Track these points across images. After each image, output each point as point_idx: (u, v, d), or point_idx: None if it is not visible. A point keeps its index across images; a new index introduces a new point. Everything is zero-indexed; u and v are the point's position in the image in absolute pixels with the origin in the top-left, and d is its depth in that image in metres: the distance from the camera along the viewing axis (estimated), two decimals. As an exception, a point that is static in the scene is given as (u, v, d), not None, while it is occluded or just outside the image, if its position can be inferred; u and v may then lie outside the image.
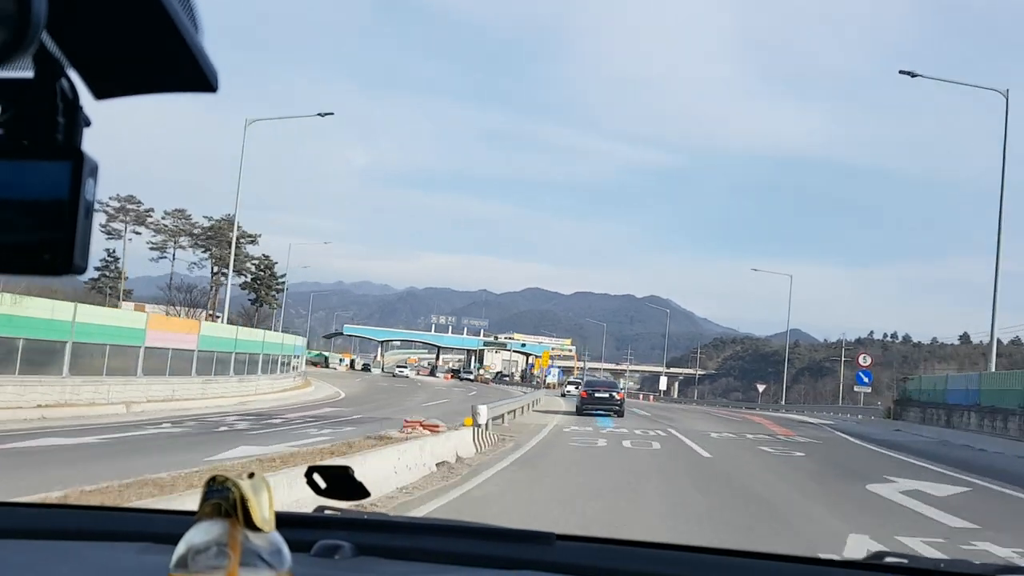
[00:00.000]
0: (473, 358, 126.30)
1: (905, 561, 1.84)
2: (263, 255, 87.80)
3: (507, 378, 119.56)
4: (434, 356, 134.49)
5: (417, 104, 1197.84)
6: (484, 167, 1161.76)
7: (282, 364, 54.66)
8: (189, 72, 0.82)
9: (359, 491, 1.84)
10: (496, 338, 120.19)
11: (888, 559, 1.86)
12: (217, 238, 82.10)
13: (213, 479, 1.00)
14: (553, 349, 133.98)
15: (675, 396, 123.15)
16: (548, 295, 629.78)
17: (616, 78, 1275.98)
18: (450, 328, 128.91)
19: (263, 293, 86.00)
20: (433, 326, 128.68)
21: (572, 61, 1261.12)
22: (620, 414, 36.51)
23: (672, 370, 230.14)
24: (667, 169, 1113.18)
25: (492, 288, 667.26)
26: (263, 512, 0.97)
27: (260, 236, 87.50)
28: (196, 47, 0.81)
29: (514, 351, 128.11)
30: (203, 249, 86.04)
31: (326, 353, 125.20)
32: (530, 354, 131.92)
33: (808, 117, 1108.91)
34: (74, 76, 0.80)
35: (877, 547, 9.31)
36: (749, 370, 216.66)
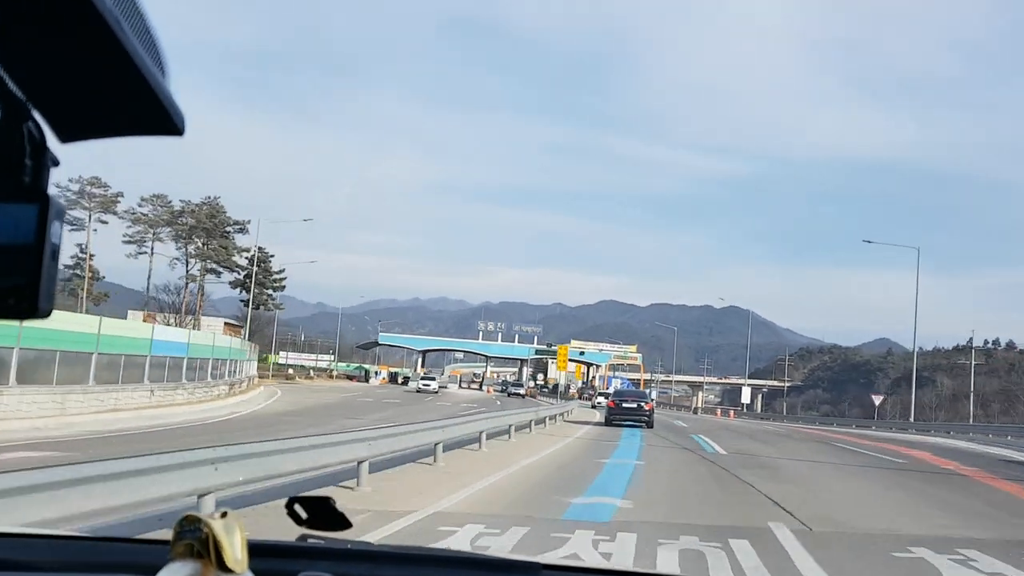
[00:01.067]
0: (525, 368, 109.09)
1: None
2: (257, 247, 71.90)
3: (547, 390, 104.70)
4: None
5: (487, 120, 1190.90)
6: (556, 181, 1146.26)
7: (213, 372, 43.71)
8: (155, 117, 0.80)
9: (341, 522, 1.78)
10: (550, 346, 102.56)
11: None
12: (202, 227, 66.45)
13: (185, 519, 0.98)
14: (615, 357, 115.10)
15: (759, 410, 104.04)
16: (623, 307, 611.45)
17: (688, 87, 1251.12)
18: (499, 336, 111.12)
19: (258, 292, 70.00)
20: (480, 333, 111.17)
21: (642, 72, 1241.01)
22: (649, 425, 35.17)
23: (755, 382, 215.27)
24: (744, 178, 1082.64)
25: (567, 301, 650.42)
26: (235, 552, 0.94)
27: (249, 222, 71.57)
28: (162, 92, 0.79)
29: (571, 360, 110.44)
30: (181, 240, 70.22)
31: (366, 366, 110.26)
32: (591, 363, 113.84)
33: (890, 121, 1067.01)
34: (41, 119, 0.79)
35: None
36: (839, 381, 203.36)
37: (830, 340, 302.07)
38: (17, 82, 0.76)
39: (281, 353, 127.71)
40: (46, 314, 0.75)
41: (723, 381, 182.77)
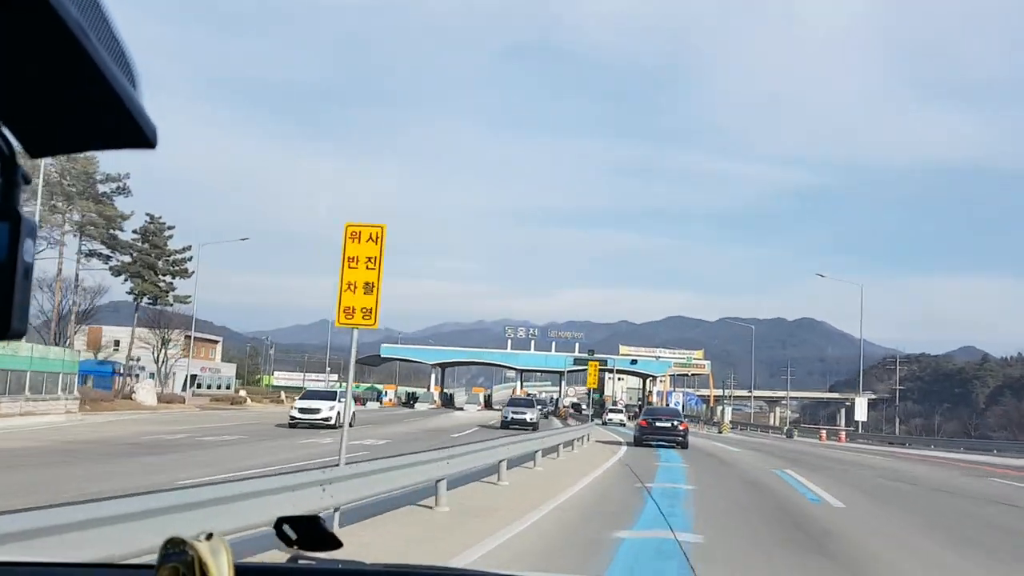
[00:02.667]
0: (563, 383, 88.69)
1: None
2: (149, 216, 52.76)
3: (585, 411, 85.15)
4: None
5: (549, 143, 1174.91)
6: (620, 199, 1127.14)
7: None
8: (127, 129, 0.78)
9: (331, 541, 1.74)
10: (592, 353, 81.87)
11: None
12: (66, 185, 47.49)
13: (170, 541, 0.96)
14: (676, 367, 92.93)
15: (859, 429, 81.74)
16: (691, 323, 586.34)
17: (753, 100, 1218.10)
18: (532, 344, 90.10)
19: (148, 280, 50.70)
20: (509, 342, 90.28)
21: (706, 86, 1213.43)
22: (683, 446, 32.91)
23: (835, 395, 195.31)
24: (813, 188, 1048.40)
25: (632, 319, 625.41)
26: (222, 575, 0.93)
27: (128, 176, 51.79)
28: (133, 104, 0.77)
29: (618, 371, 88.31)
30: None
31: (379, 386, 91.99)
32: (647, 375, 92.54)
33: (966, 124, 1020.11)
34: (9, 134, 0.77)
35: None
36: (930, 392, 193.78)
37: (909, 350, 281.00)
38: None
39: (278, 374, 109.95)
40: (19, 335, 0.72)
41: (802, 395, 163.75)
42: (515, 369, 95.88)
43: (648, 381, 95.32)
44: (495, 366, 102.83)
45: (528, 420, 43.87)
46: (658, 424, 34.04)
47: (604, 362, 77.41)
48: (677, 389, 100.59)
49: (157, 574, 0.93)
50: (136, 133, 0.79)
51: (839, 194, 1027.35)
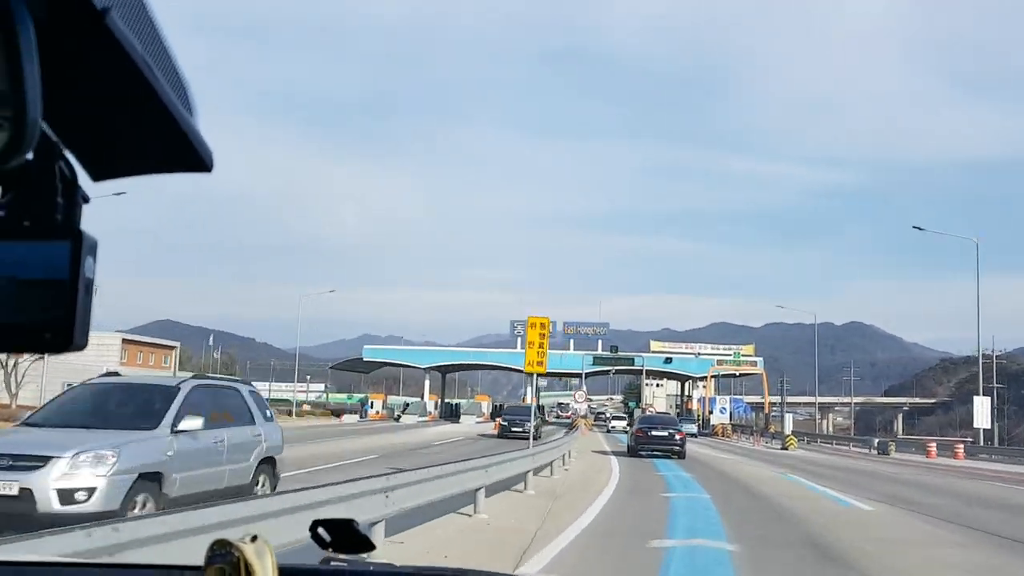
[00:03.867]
0: (582, 386, 72.21)
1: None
2: None
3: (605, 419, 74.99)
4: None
5: (588, 148, 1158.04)
6: (661, 204, 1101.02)
7: None
8: (184, 154, 0.81)
9: (365, 543, 1.74)
10: (614, 350, 65.74)
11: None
12: None
13: (216, 543, 1.00)
14: (719, 365, 75.38)
15: (981, 441, 65.01)
16: (735, 329, 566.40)
17: (793, 100, 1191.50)
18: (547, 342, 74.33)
19: None
20: (519, 340, 74.06)
21: (747, 87, 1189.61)
22: (680, 456, 32.00)
23: (893, 400, 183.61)
24: (857, 189, 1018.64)
25: (674, 326, 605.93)
26: (267, 574, 0.96)
27: None
28: (191, 130, 0.80)
29: (650, 371, 71.59)
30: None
31: (355, 396, 78.54)
32: (687, 376, 76.05)
33: (1010, 120, 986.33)
34: (72, 158, 0.80)
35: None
36: (997, 393, 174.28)
37: (964, 352, 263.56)
38: (49, 123, 0.75)
39: (262, 383, 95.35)
40: (81, 347, 0.75)
41: (856, 400, 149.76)
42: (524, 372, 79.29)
43: (688, 385, 78.99)
44: (501, 369, 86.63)
45: (525, 432, 36.74)
46: (653, 434, 32.84)
47: (631, 361, 61.91)
48: (722, 395, 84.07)
49: (204, 574, 0.97)
50: (193, 157, 0.82)
51: (885, 194, 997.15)
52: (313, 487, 7.38)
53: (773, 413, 78.42)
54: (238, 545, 0.94)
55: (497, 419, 49.73)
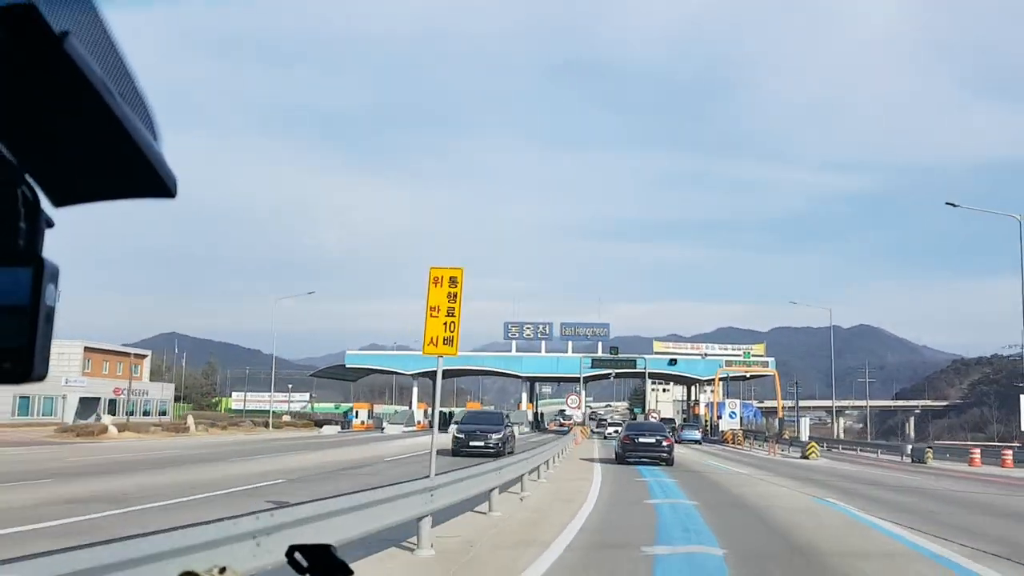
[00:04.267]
0: (581, 391, 65.86)
1: None
2: None
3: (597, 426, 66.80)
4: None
5: (590, 157, 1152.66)
6: (668, 211, 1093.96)
7: None
8: (148, 180, 0.80)
9: (342, 569, 1.70)
10: (615, 351, 60.22)
11: None
12: None
13: (183, 575, 0.94)
14: (728, 366, 69.32)
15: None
16: (742, 333, 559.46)
17: (801, 105, 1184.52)
18: (543, 345, 67.83)
19: None
20: (514, 344, 68.57)
21: (750, 93, 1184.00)
22: (668, 463, 31.29)
23: (906, 403, 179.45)
24: (865, 193, 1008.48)
25: (681, 332, 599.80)
26: None
27: None
28: (154, 155, 0.79)
29: (653, 374, 65.84)
30: None
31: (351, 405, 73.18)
32: (693, 380, 70.30)
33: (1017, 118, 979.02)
34: (33, 183, 0.79)
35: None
36: (1009, 396, 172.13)
37: (974, 354, 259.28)
38: (10, 147, 0.75)
39: (236, 395, 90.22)
40: (41, 377, 0.73)
41: (866, 404, 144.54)
42: (519, 377, 73.83)
43: (694, 389, 73.19)
44: (494, 374, 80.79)
45: (489, 446, 31.84)
46: (641, 440, 32.26)
47: (633, 363, 56.47)
48: (731, 399, 78.24)
49: None
50: (157, 183, 0.80)
51: (893, 197, 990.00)
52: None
53: (787, 417, 72.45)
54: None
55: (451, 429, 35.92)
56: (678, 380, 76.03)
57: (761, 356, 72.77)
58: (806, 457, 43.81)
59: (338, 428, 63.56)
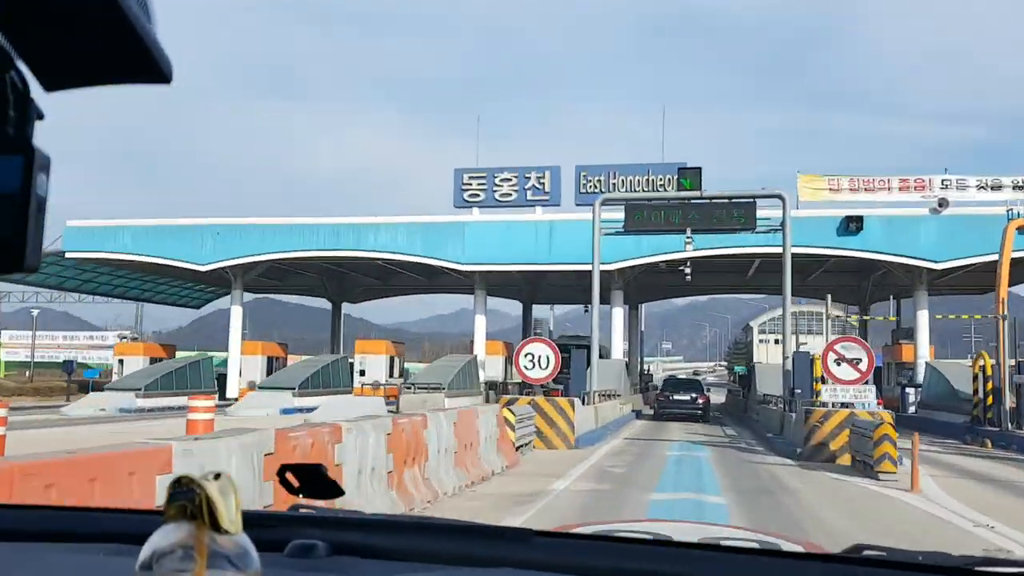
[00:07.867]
0: (594, 313, 25.19)
1: (884, 554, 1.66)
2: None
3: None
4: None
5: (697, 116, 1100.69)
6: (776, 168, 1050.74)
7: None
8: (142, 63, 0.75)
9: (333, 489, 1.67)
10: (690, 180, 23.70)
11: (867, 552, 1.66)
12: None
13: (179, 480, 0.95)
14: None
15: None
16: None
17: (919, 53, 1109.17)
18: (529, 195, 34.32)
19: None
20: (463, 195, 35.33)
21: (864, 45, 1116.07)
22: (705, 420, 31.17)
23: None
24: (986, 144, 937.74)
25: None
26: (230, 514, 0.91)
27: None
28: (149, 37, 0.74)
29: (798, 259, 27.73)
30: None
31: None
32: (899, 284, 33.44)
33: None
34: (24, 68, 0.74)
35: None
36: None
37: None
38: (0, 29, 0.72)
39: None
40: (33, 269, 0.71)
41: None
42: (457, 272, 35.68)
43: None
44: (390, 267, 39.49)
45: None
46: (675, 398, 32.56)
47: (740, 216, 20.50)
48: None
49: (165, 512, 0.90)
50: (151, 67, 0.75)
51: (1003, 145, 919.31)
52: None
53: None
54: (201, 483, 0.89)
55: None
56: (841, 291, 40.45)
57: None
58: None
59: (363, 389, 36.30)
